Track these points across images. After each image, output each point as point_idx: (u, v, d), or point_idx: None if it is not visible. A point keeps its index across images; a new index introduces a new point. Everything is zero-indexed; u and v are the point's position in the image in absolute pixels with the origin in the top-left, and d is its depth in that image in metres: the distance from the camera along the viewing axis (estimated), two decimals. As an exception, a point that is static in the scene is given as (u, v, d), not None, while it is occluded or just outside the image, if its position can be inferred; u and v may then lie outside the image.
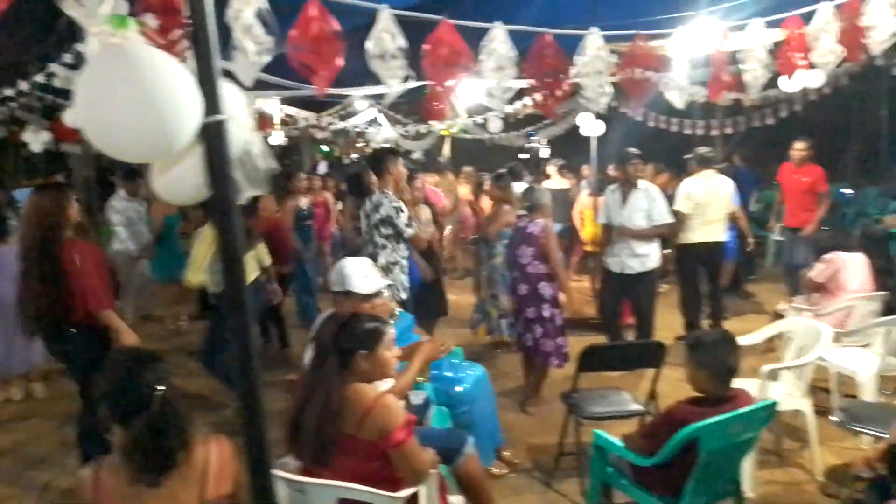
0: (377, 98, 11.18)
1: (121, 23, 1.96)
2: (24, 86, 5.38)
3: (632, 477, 3.12)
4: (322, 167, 16.82)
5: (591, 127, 7.67)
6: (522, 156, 15.08)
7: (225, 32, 1.86)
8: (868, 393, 4.30)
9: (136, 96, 1.20)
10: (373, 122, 13.95)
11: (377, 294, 3.41)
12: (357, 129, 14.28)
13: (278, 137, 12.57)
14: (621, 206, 5.87)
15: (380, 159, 5.21)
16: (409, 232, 4.99)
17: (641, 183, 5.87)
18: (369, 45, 2.14)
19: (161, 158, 1.32)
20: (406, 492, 2.53)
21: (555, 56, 2.57)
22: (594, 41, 2.66)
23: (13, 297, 3.86)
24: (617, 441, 3.15)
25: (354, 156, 20.87)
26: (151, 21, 1.77)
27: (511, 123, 10.63)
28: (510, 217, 5.79)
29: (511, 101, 4.32)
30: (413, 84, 2.54)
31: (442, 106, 4.39)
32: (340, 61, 2.03)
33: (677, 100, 3.08)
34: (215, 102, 1.31)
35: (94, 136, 1.21)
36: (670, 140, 11.50)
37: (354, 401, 2.50)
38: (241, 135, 1.35)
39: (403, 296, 4.99)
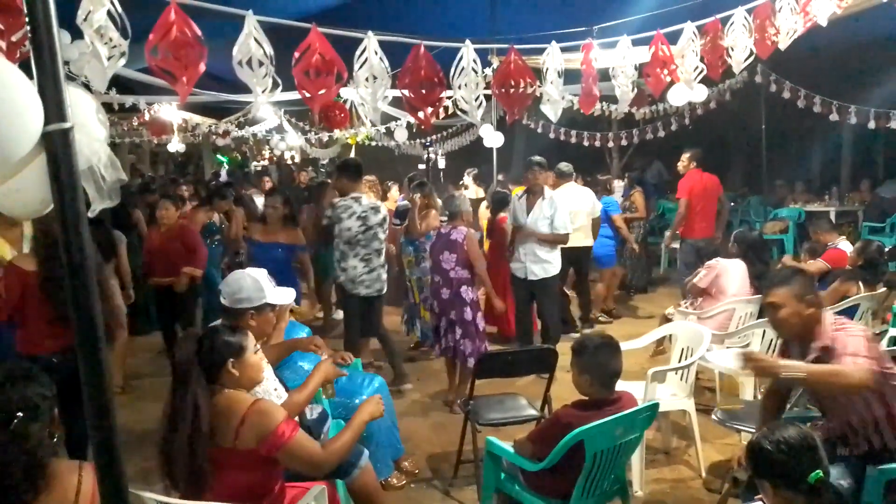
0: (280, 105, 10.99)
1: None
2: None
3: (523, 482, 3.17)
4: (223, 175, 16.38)
5: (491, 138, 7.82)
6: (421, 166, 15.21)
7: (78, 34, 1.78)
8: (747, 391, 4.56)
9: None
10: (277, 128, 13.69)
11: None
12: (260, 137, 13.98)
13: (176, 144, 12.15)
14: (526, 213, 6.01)
15: (356, 165, 5.52)
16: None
17: (547, 191, 6.03)
18: (235, 51, 2.09)
19: (-3, 169, 1.23)
20: None
21: (429, 68, 2.59)
22: (468, 54, 2.71)
23: None
24: (507, 447, 3.20)
25: (264, 163, 20.42)
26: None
27: (415, 133, 10.70)
28: (436, 221, 6.27)
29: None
30: (288, 95, 2.51)
31: (343, 114, 4.34)
32: (202, 67, 1.96)
33: (551, 113, 3.18)
34: (60, 109, 1.23)
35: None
36: (572, 151, 11.95)
37: (228, 411, 2.43)
38: (90, 144, 1.27)
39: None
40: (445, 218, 5.55)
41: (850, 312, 5.19)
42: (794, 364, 2.72)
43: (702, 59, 3.10)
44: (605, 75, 3.62)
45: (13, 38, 1.73)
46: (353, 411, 3.86)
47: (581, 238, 6.99)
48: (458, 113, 2.95)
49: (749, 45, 2.94)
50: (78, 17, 1.78)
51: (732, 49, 2.97)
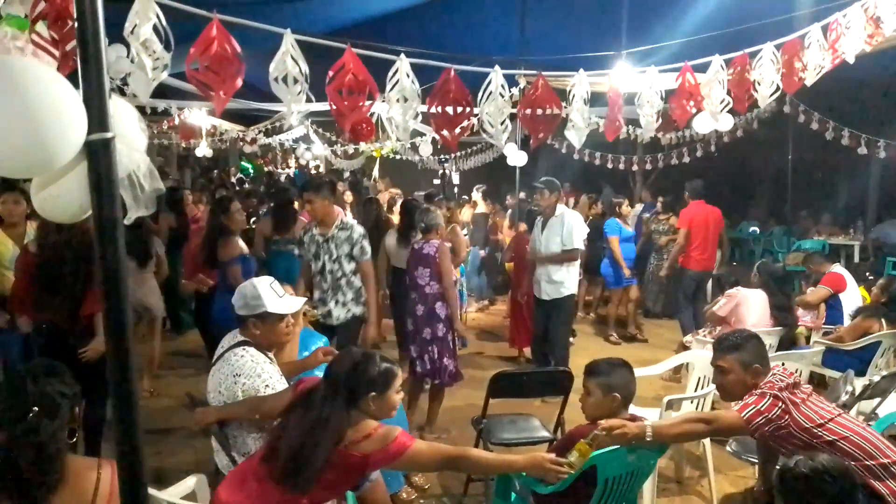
0: (308, 115, 11.13)
1: (19, 24, 1.90)
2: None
3: (534, 504, 3.16)
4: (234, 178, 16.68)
5: (515, 157, 7.86)
6: (436, 181, 15.32)
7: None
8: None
9: (13, 111, 1.16)
10: (304, 138, 13.86)
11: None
12: (287, 145, 14.15)
13: (203, 149, 12.34)
14: (541, 232, 6.05)
15: (332, 183, 5.32)
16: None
17: (559, 209, 6.04)
18: (272, 67, 2.15)
19: (40, 174, 1.28)
20: None
21: (458, 91, 2.62)
22: (497, 79, 2.74)
23: None
24: (520, 468, 3.18)
25: (289, 171, 20.66)
26: (44, 31, 1.72)
27: (440, 149, 10.78)
28: (461, 236, 6.37)
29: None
30: (317, 106, 2.56)
31: (369, 127, 4.39)
32: (239, 82, 2.02)
33: (575, 139, 3.19)
34: (103, 119, 1.28)
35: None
36: (596, 173, 11.94)
37: (356, 431, 2.46)
38: (129, 154, 1.32)
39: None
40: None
41: (871, 349, 5.14)
42: (639, 425, 2.74)
43: (728, 92, 3.11)
44: (631, 98, 3.64)
45: (67, 48, 1.79)
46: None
47: None
48: (483, 134, 2.97)
49: (776, 80, 2.95)
50: (125, 30, 1.84)
51: (759, 83, 2.98)
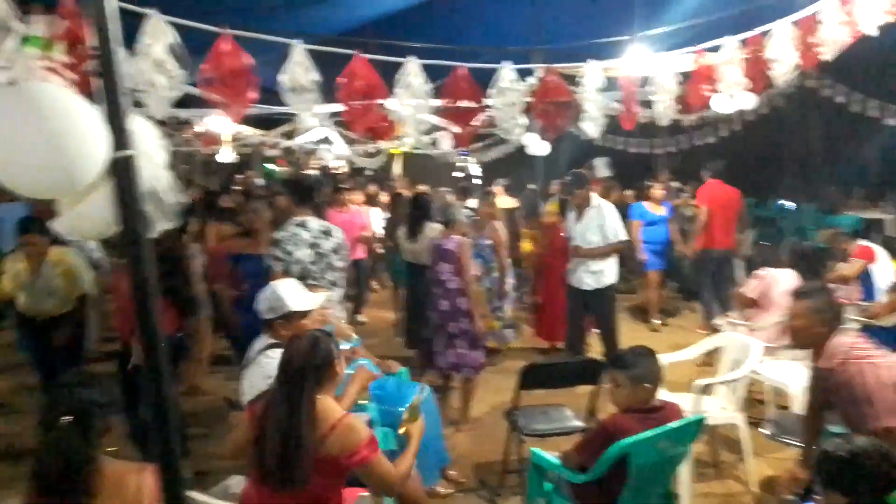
0: (327, 116, 11.17)
1: (41, 45, 1.94)
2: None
3: (570, 494, 3.17)
4: (259, 181, 16.91)
5: (537, 147, 7.81)
6: (456, 174, 15.26)
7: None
8: (799, 405, 4.44)
9: (37, 135, 1.20)
10: (324, 139, 13.92)
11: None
12: (308, 147, 14.22)
13: (228, 154, 12.46)
14: (576, 223, 5.97)
15: (308, 187, 4.86)
16: None
17: (594, 200, 5.94)
18: (283, 78, 2.18)
19: (67, 195, 1.32)
20: None
21: (469, 88, 2.63)
22: (506, 74, 2.73)
23: None
24: (553, 458, 3.20)
25: (313, 172, 20.80)
26: (61, 54, 1.76)
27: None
28: (501, 230, 6.34)
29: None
30: (335, 107, 2.59)
31: (387, 126, 4.40)
32: (253, 94, 2.05)
33: (592, 130, 3.17)
34: (124, 138, 1.32)
35: (-2, 174, 1.21)
36: (619, 157, 11.82)
37: (322, 416, 2.51)
38: (151, 169, 1.36)
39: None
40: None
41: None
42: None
43: (744, 73, 3.06)
44: (646, 82, 3.59)
45: (83, 70, 1.83)
46: (398, 419, 3.96)
47: None
48: (497, 133, 2.97)
49: (793, 57, 2.89)
50: (138, 49, 1.89)
51: (776, 62, 2.92)
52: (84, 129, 1.26)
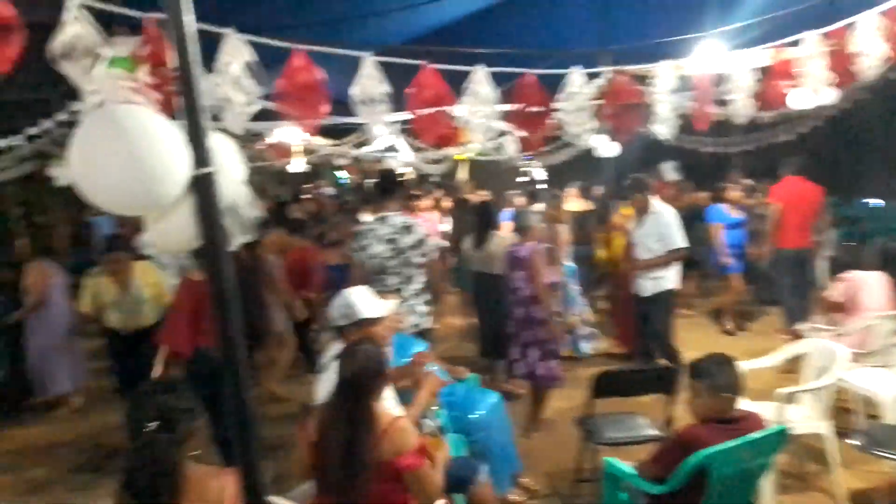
0: (394, 123, 11.30)
1: (126, 65, 2.03)
2: (48, 124, 5.54)
3: (646, 504, 3.09)
4: (329, 189, 17.40)
5: (605, 148, 7.66)
6: (520, 179, 15.12)
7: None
8: (890, 415, 4.21)
9: (124, 155, 1.26)
10: (390, 147, 14.09)
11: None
12: (376, 155, 14.42)
13: (300, 164, 12.82)
14: (637, 229, 5.83)
15: (392, 180, 4.89)
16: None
17: (655, 205, 5.76)
18: (354, 90, 2.22)
19: (151, 212, 1.38)
20: None
21: (537, 94, 2.61)
22: (575, 79, 2.70)
23: None
24: (629, 468, 3.13)
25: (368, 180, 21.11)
26: (145, 75, 1.85)
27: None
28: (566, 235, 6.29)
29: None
30: (402, 115, 2.62)
31: (453, 132, 4.41)
32: (326, 108, 2.10)
33: (664, 132, 3.08)
34: (204, 155, 1.37)
35: (86, 192, 1.28)
36: (692, 157, 11.46)
37: (375, 422, 2.56)
38: (230, 185, 1.40)
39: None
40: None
41: None
42: None
43: (828, 68, 2.92)
44: (720, 80, 3.47)
45: (165, 91, 1.92)
46: (469, 426, 3.97)
47: None
48: (565, 138, 2.94)
49: (882, 49, 2.74)
50: (216, 67, 1.96)
51: (862, 55, 2.77)
52: (167, 148, 1.31)
